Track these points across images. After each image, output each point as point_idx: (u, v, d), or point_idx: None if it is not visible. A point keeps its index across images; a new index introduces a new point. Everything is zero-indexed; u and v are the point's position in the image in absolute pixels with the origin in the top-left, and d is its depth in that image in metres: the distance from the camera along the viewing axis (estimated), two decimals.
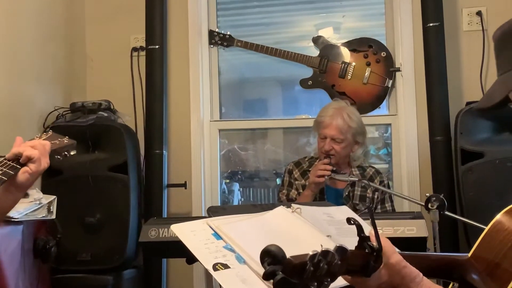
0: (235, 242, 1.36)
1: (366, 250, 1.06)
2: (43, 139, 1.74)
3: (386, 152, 3.72)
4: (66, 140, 1.83)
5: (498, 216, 1.16)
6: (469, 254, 1.16)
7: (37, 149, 1.62)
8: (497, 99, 1.24)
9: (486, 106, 1.29)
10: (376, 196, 2.91)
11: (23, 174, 1.59)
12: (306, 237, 1.46)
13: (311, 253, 0.94)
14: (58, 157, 1.79)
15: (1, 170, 1.56)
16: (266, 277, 0.93)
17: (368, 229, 1.63)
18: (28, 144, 1.64)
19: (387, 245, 1.10)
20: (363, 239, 1.06)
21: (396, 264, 1.09)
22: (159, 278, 3.46)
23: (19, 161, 1.60)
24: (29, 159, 1.59)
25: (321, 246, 0.95)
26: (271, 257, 0.94)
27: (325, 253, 0.95)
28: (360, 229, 1.05)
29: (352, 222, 1.06)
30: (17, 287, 2.47)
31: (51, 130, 1.93)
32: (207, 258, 1.32)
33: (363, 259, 1.06)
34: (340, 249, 0.97)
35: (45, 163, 1.63)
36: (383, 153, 3.75)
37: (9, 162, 1.59)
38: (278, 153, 3.89)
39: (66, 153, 1.82)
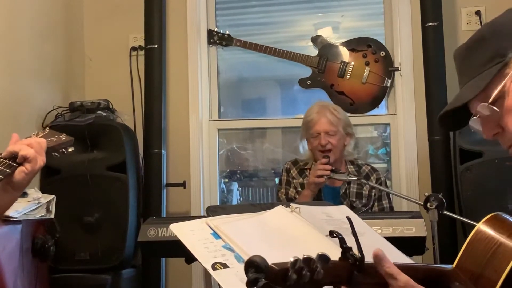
0: (234, 242, 1.36)
1: (350, 261, 1.06)
2: (40, 136, 1.73)
3: (385, 152, 3.72)
4: (63, 137, 1.81)
5: (479, 225, 1.18)
6: (454, 265, 1.17)
7: (33, 147, 1.60)
8: (459, 103, 1.30)
9: (448, 109, 1.34)
10: (373, 194, 2.92)
11: (19, 174, 1.57)
12: (305, 237, 1.46)
13: (292, 259, 0.94)
14: (56, 154, 1.77)
15: None
16: (249, 284, 0.94)
17: (365, 227, 1.63)
18: (24, 143, 1.62)
19: (392, 266, 1.09)
20: (345, 249, 1.06)
21: (405, 285, 1.09)
22: (157, 277, 3.45)
23: (15, 159, 1.58)
24: (25, 159, 1.58)
25: (303, 255, 0.95)
26: (254, 267, 0.94)
27: (306, 260, 0.95)
28: (342, 241, 1.06)
29: (335, 235, 1.06)
30: (15, 286, 2.47)
31: (48, 128, 1.91)
32: (206, 258, 1.31)
33: (346, 270, 1.06)
34: (322, 257, 0.98)
35: (41, 161, 1.61)
36: (381, 152, 3.75)
37: (5, 161, 1.57)
38: (277, 153, 3.89)
39: (63, 150, 1.80)
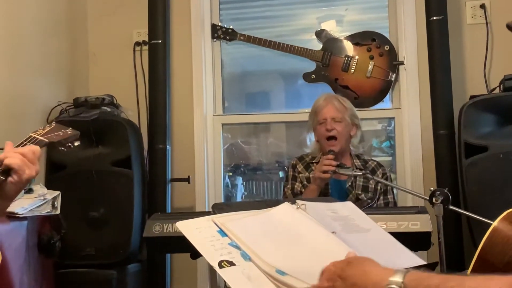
0: (240, 239, 1.37)
1: None
2: (46, 131, 1.71)
3: (389, 145, 3.72)
4: (69, 131, 1.79)
5: (495, 224, 1.11)
6: (468, 271, 1.13)
7: (26, 156, 1.51)
8: None
9: None
10: (379, 187, 2.92)
11: (6, 184, 1.49)
12: (311, 234, 1.46)
13: None
14: (62, 148, 1.75)
15: None
16: None
17: (370, 223, 1.63)
18: (17, 151, 1.53)
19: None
20: None
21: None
22: (163, 272, 3.46)
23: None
24: (10, 169, 1.49)
25: None
26: None
27: None
28: None
29: None
30: (21, 282, 2.48)
31: (54, 122, 1.89)
32: (212, 255, 1.32)
33: None
34: None
35: (32, 171, 1.51)
36: (385, 145, 3.75)
37: None
38: (281, 147, 3.89)
39: (70, 144, 1.78)
